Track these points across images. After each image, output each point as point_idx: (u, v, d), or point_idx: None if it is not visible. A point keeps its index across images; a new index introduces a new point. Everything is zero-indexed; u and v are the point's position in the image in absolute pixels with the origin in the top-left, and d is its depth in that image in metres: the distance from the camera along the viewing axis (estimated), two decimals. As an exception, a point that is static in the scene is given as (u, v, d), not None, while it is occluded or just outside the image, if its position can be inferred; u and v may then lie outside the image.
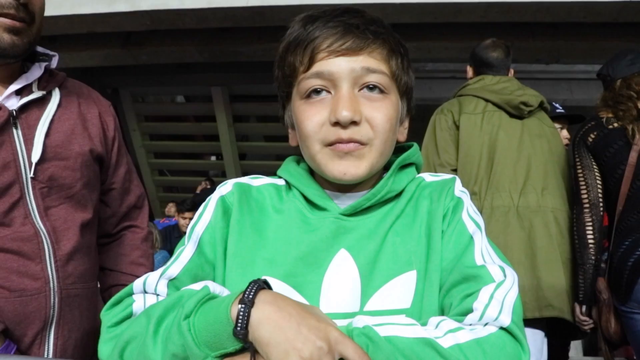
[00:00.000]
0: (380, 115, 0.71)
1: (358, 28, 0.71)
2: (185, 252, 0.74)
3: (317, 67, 0.71)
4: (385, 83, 0.72)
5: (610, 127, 1.83)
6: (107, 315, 0.68)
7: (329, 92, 0.72)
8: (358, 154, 0.71)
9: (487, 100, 2.07)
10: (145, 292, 0.70)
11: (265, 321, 0.54)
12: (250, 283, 0.58)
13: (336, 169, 0.71)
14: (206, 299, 0.60)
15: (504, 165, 1.97)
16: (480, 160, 1.99)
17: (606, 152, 1.82)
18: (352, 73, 0.70)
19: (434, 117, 2.13)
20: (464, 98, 2.13)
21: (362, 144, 0.71)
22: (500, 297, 0.63)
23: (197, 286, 0.64)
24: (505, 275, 0.66)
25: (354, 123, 0.69)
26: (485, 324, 0.61)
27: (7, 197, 1.01)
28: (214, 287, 0.64)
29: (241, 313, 0.55)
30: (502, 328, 0.60)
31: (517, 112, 2.04)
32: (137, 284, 0.70)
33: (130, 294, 0.70)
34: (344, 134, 0.70)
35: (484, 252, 0.70)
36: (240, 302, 0.56)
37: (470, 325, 0.61)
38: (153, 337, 0.59)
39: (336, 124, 0.70)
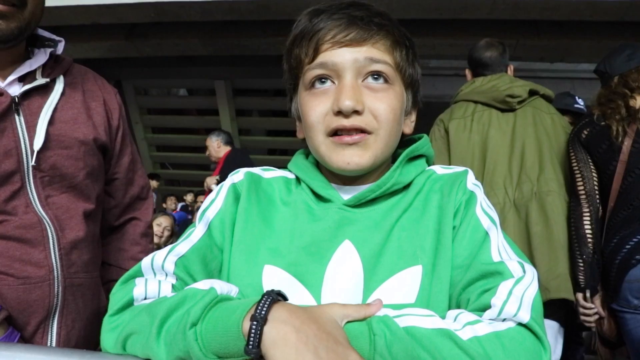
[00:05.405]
0: (384, 105, 0.71)
1: (362, 20, 0.72)
2: (195, 233, 0.74)
3: (321, 58, 0.72)
4: (389, 73, 0.73)
5: (603, 123, 1.81)
6: (113, 298, 0.68)
7: (333, 82, 0.72)
8: (363, 143, 0.71)
9: (476, 102, 2.08)
10: (153, 270, 0.69)
11: (280, 342, 0.52)
12: (263, 296, 0.55)
13: (340, 159, 0.71)
14: (214, 304, 0.57)
15: (496, 162, 1.98)
16: (472, 161, 1.99)
17: (598, 149, 1.81)
18: (355, 63, 0.71)
19: (432, 128, 2.16)
20: (456, 105, 2.16)
21: (366, 132, 0.71)
22: (519, 293, 0.61)
23: (203, 285, 0.61)
24: (524, 271, 0.65)
25: (357, 112, 0.70)
26: (504, 320, 0.60)
27: (8, 185, 1.00)
28: (221, 287, 0.62)
29: (253, 330, 0.52)
30: (520, 324, 0.59)
31: (506, 106, 2.03)
32: (145, 262, 0.70)
33: (139, 271, 0.70)
34: (347, 122, 0.70)
35: (500, 248, 0.68)
36: (252, 318, 0.53)
37: (489, 319, 0.60)
38: (156, 339, 0.58)
39: (339, 112, 0.70)
